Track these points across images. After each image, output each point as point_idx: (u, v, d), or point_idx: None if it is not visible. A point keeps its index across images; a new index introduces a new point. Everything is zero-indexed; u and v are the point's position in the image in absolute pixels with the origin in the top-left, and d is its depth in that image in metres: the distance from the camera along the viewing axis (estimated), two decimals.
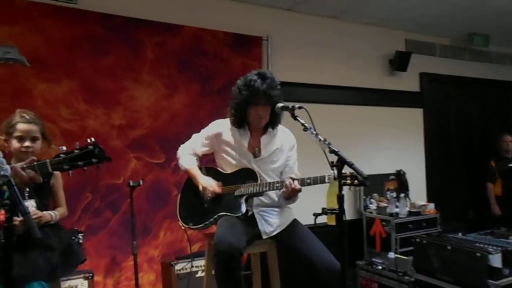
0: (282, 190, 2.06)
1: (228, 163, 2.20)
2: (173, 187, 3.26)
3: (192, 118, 3.37)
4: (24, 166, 1.58)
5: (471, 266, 2.27)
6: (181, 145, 2.36)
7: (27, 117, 2.07)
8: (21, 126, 2.03)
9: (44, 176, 2.10)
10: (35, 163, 1.59)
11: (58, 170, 1.56)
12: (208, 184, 2.14)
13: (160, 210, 3.27)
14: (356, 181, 1.73)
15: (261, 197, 2.14)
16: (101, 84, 3.10)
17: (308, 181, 1.95)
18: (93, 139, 1.56)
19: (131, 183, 2.91)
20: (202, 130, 2.33)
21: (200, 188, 2.15)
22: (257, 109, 2.08)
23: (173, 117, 3.35)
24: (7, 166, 1.31)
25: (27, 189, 1.98)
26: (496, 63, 5.33)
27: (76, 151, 1.55)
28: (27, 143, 2.03)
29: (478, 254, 2.25)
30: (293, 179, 1.96)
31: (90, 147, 1.55)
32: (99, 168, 1.57)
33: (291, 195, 2.04)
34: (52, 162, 1.55)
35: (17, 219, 1.82)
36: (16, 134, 2.03)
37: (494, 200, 4.52)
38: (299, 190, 1.99)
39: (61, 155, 1.56)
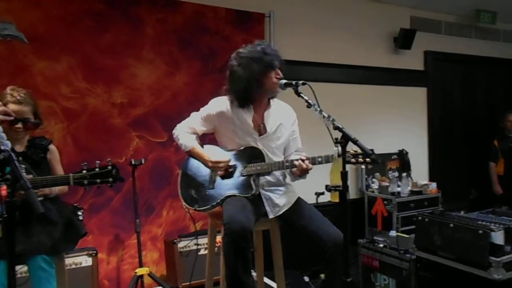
0: (293, 170, 2.04)
1: (231, 142, 2.15)
2: (176, 166, 3.26)
3: (194, 96, 3.33)
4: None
5: (473, 243, 2.27)
6: (178, 124, 2.27)
7: (18, 97, 2.02)
8: (12, 107, 1.98)
9: (40, 151, 2.11)
10: (59, 176, 1.82)
11: (78, 184, 1.77)
12: (218, 158, 2.09)
13: (162, 189, 3.28)
14: (368, 158, 1.70)
15: (266, 176, 2.11)
16: (102, 62, 3.06)
17: (320, 159, 1.93)
18: (111, 160, 1.80)
19: (133, 162, 2.91)
20: (202, 108, 2.24)
21: (210, 164, 2.09)
22: (276, 71, 2.05)
23: (175, 95, 3.32)
24: (8, 142, 1.30)
25: (23, 166, 1.97)
26: (503, 41, 5.23)
27: (97, 169, 1.76)
28: (18, 124, 2.01)
29: (481, 232, 2.25)
30: (303, 160, 1.94)
31: (109, 167, 1.77)
32: (112, 187, 1.83)
33: (302, 174, 2.02)
34: (74, 176, 1.76)
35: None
36: None
37: (496, 179, 4.52)
38: (311, 169, 1.97)
39: (83, 171, 1.76)
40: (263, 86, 2.07)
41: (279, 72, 2.06)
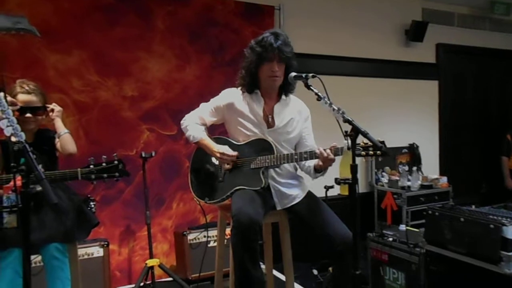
0: (315, 163, 2.01)
1: (241, 134, 2.14)
2: (186, 159, 3.28)
3: (204, 89, 3.34)
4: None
5: (484, 237, 2.25)
6: (186, 115, 2.23)
7: (27, 87, 2.04)
8: (21, 97, 2.01)
9: (48, 142, 2.14)
10: (67, 170, 1.83)
11: (86, 179, 1.80)
12: (225, 149, 2.08)
13: (173, 182, 3.31)
14: (378, 151, 1.69)
15: (276, 169, 2.10)
16: (113, 55, 3.09)
17: (340, 152, 1.89)
18: (117, 155, 1.84)
19: (144, 155, 2.93)
20: (212, 99, 2.22)
21: (218, 155, 2.07)
22: (271, 65, 2.00)
23: (185, 88, 3.34)
24: (22, 133, 1.32)
25: (34, 156, 2.00)
26: None
27: (104, 164, 1.81)
28: (28, 114, 2.03)
29: (492, 226, 2.23)
30: (325, 149, 1.90)
31: (116, 162, 1.82)
32: (118, 181, 1.87)
33: (325, 166, 1.98)
34: (82, 171, 1.80)
35: None
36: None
37: (508, 173, 4.48)
38: (333, 160, 1.92)
39: (91, 166, 1.80)
40: (258, 77, 2.07)
41: (275, 66, 2.00)
